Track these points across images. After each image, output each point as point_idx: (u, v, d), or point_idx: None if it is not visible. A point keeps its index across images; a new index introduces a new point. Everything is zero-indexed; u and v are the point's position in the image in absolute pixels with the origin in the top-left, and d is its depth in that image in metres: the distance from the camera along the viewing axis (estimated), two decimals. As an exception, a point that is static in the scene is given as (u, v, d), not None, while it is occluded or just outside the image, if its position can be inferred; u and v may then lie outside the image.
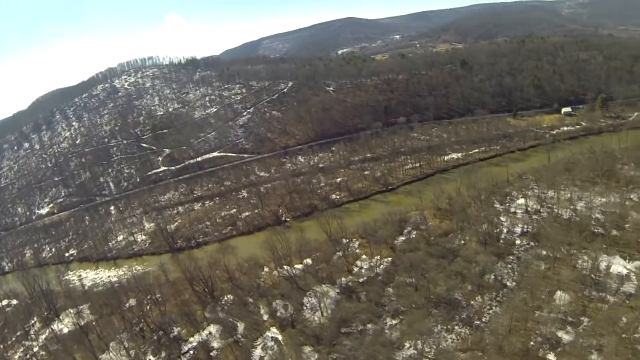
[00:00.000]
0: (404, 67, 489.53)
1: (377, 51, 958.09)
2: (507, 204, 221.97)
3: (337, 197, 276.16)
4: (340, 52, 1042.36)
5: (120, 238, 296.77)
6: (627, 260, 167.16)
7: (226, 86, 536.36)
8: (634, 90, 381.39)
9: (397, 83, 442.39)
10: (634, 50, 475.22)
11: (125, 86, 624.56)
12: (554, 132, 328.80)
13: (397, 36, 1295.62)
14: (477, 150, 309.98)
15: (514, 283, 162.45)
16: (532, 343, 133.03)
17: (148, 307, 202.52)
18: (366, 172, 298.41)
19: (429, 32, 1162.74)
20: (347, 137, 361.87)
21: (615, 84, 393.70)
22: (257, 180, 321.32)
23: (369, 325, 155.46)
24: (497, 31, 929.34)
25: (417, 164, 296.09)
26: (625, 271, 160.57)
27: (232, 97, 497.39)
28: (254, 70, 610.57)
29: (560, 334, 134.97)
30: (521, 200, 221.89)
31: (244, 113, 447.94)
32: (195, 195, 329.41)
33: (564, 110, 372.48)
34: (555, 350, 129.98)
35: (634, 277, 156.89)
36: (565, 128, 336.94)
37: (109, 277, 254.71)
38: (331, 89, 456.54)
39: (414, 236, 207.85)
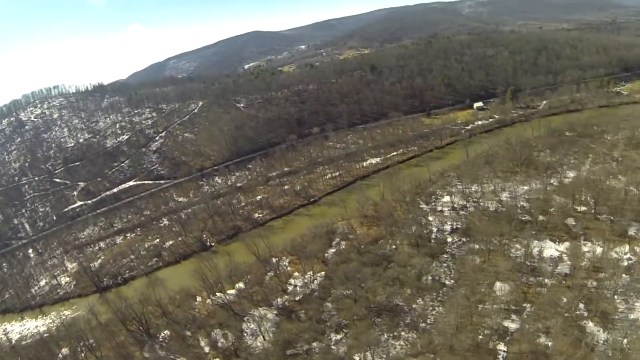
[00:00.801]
0: (313, 77, 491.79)
1: (284, 63, 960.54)
2: (433, 203, 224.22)
3: (260, 215, 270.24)
4: (247, 66, 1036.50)
5: (42, 283, 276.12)
6: (557, 243, 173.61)
7: (136, 111, 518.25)
8: (540, 81, 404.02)
9: (307, 93, 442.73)
10: (536, 44, 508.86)
11: (32, 119, 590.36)
12: (469, 127, 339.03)
13: (303, 46, 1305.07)
14: (395, 153, 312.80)
15: (452, 281, 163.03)
16: (480, 337, 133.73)
17: (83, 354, 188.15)
18: (286, 187, 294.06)
19: (334, 40, 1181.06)
20: (262, 153, 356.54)
21: (522, 76, 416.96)
22: (176, 206, 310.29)
23: (314, 344, 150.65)
24: (402, 34, 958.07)
25: (337, 173, 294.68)
26: (557, 253, 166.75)
27: (143, 122, 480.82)
28: (163, 92, 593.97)
29: (506, 323, 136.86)
30: (446, 198, 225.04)
31: (156, 138, 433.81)
32: (115, 228, 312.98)
33: (476, 105, 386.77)
34: (504, 340, 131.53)
35: (566, 258, 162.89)
36: (479, 122, 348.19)
37: (36, 327, 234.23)
38: (242, 105, 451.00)
39: (344, 247, 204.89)
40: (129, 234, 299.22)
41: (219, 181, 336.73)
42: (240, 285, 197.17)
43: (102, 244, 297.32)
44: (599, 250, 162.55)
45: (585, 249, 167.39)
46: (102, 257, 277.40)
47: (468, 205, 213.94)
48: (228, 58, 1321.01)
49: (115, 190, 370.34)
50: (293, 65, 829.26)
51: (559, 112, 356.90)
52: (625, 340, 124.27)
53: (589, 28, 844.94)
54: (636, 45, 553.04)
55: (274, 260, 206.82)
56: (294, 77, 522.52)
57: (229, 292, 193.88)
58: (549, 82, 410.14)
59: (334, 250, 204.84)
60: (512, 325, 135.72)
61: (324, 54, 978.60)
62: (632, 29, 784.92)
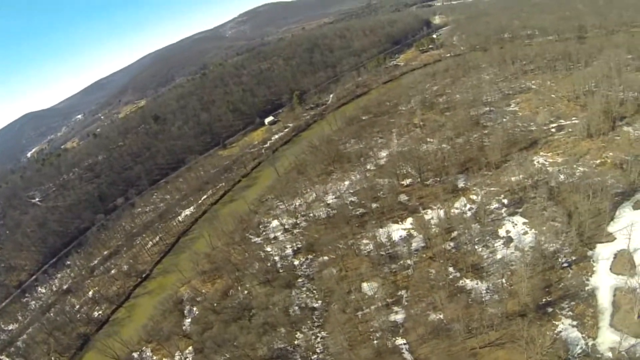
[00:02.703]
0: (99, 146, 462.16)
1: (66, 139, 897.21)
2: (264, 233, 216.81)
3: (100, 312, 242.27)
4: (29, 154, 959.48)
5: None
6: (400, 222, 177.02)
7: None
8: (322, 77, 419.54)
9: (99, 165, 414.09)
10: (306, 44, 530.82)
11: None
12: (268, 145, 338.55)
13: (80, 116, 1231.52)
14: (206, 197, 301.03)
15: (320, 302, 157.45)
16: (376, 342, 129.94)
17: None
18: (113, 272, 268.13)
19: (109, 100, 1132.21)
20: (76, 244, 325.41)
21: (302, 79, 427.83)
22: (9, 337, 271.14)
23: None
24: (174, 74, 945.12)
25: (157, 238, 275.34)
26: (404, 232, 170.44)
27: None
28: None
29: (392, 317, 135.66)
30: (275, 223, 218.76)
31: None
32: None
33: (267, 120, 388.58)
34: (399, 333, 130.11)
35: (414, 232, 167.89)
36: (276, 136, 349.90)
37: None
38: (38, 199, 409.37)
39: (198, 312, 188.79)
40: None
41: (44, 291, 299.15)
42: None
43: None
44: (441, 213, 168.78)
45: (428, 217, 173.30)
46: None
47: (299, 222, 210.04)
48: (8, 149, 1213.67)
49: None
50: (76, 139, 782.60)
51: (348, 100, 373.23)
52: (504, 280, 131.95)
53: (349, 16, 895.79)
54: (396, 20, 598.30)
55: (135, 356, 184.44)
56: (80, 153, 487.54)
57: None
58: (329, 76, 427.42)
59: (189, 320, 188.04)
60: (398, 317, 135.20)
61: (102, 117, 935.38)
62: (387, 7, 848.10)
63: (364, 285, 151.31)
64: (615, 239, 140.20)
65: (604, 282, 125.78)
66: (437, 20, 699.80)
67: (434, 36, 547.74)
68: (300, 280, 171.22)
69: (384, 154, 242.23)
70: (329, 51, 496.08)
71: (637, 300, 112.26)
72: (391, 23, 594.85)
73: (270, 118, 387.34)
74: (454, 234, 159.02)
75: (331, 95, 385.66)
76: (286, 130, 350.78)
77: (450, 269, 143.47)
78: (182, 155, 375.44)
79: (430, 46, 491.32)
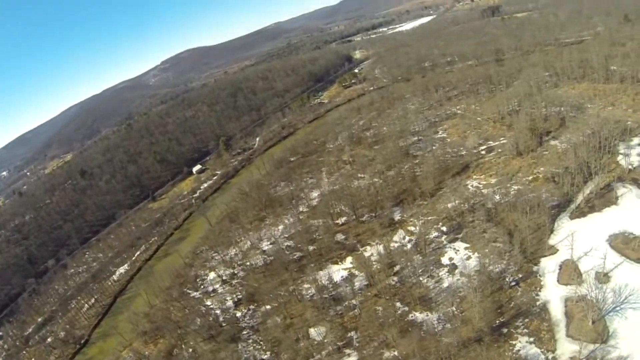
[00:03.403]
0: (26, 205, 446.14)
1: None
2: (202, 287, 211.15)
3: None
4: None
5: None
6: (340, 263, 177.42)
7: None
8: (246, 121, 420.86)
9: (27, 226, 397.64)
10: (230, 89, 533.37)
11: None
12: (198, 195, 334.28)
13: (4, 173, 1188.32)
14: (139, 253, 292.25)
15: (268, 353, 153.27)
16: None
17: None
18: (49, 340, 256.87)
19: (35, 155, 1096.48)
20: (7, 312, 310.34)
21: (227, 124, 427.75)
22: None
23: None
24: (99, 125, 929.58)
25: (92, 300, 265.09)
26: (345, 273, 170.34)
27: None
28: None
29: None
30: (212, 275, 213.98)
31: None
32: None
33: (195, 169, 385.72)
34: None
35: (356, 271, 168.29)
36: (205, 185, 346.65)
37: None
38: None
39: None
40: None
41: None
42: None
43: None
44: (380, 248, 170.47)
45: (367, 254, 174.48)
46: None
47: (236, 272, 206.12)
48: None
49: None
50: (1, 197, 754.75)
51: (275, 142, 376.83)
52: (454, 308, 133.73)
53: (271, 57, 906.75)
54: (317, 58, 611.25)
55: None
56: (6, 213, 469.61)
57: None
58: (254, 119, 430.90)
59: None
60: (351, 359, 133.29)
61: (28, 174, 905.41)
62: (307, 46, 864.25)
63: (311, 330, 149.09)
64: (557, 250, 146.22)
65: (553, 294, 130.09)
66: (357, 54, 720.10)
67: (356, 71, 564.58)
68: (245, 332, 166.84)
69: (315, 194, 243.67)
70: (252, 94, 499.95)
71: (589, 306, 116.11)
72: (312, 61, 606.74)
73: (198, 166, 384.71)
74: (397, 268, 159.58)
75: (257, 139, 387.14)
76: (215, 177, 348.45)
77: (398, 304, 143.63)
78: (112, 210, 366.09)
79: (353, 81, 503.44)
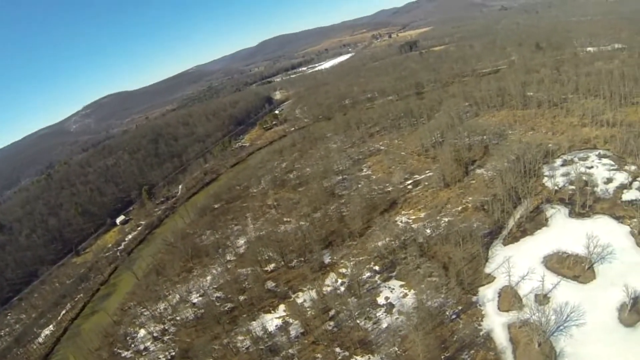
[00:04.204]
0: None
1: None
2: (133, 345, 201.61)
3: None
4: None
5: None
6: (273, 312, 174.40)
7: None
8: (169, 168, 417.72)
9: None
10: (151, 135, 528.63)
11: None
12: (122, 247, 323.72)
13: None
14: (65, 312, 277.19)
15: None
16: None
17: None
18: None
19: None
20: None
21: (150, 172, 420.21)
22: None
23: None
24: (19, 174, 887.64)
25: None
26: (278, 321, 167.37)
27: None
28: None
29: None
30: (142, 332, 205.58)
31: None
32: None
33: (118, 220, 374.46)
34: None
35: (290, 319, 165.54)
36: (130, 236, 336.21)
37: None
38: None
39: None
40: None
41: None
42: None
43: None
44: (313, 294, 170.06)
45: (300, 300, 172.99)
46: None
47: (167, 328, 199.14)
48: None
49: None
50: None
51: (198, 189, 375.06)
52: (396, 348, 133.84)
53: (192, 100, 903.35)
54: (237, 100, 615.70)
55: None
56: None
57: None
58: (176, 166, 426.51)
59: None
60: None
61: None
62: (227, 88, 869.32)
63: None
64: (495, 278, 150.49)
65: (496, 322, 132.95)
66: (278, 95, 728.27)
67: (277, 112, 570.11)
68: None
69: (242, 241, 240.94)
70: (173, 140, 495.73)
71: (533, 330, 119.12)
72: (233, 104, 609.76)
73: (122, 217, 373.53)
74: (332, 312, 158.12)
75: (180, 186, 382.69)
76: (139, 228, 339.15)
77: (337, 350, 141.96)
78: (33, 267, 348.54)
79: (274, 122, 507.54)
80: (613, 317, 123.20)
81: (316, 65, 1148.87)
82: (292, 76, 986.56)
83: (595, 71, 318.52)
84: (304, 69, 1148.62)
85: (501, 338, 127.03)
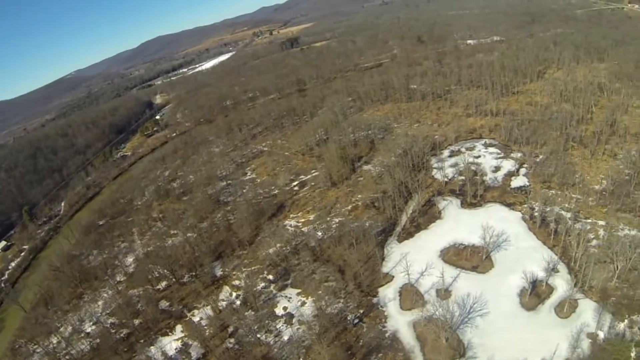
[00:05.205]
0: None
1: None
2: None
3: None
4: None
5: None
6: (170, 334, 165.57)
7: None
8: (49, 185, 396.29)
9: None
10: (28, 149, 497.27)
11: None
12: (7, 276, 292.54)
13: None
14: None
15: None
16: None
17: None
18: None
19: None
20: None
21: (28, 190, 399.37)
22: None
23: None
24: None
25: None
26: (178, 344, 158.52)
27: None
28: None
29: None
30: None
31: None
32: None
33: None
34: None
35: (189, 340, 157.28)
36: (14, 264, 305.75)
37: None
38: None
39: None
40: None
41: None
42: None
43: None
44: (208, 310, 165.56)
45: (196, 319, 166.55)
46: None
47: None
48: None
49: None
50: None
51: (81, 205, 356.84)
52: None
53: (71, 108, 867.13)
54: (117, 107, 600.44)
55: None
56: None
57: None
58: (57, 181, 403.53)
59: None
60: None
61: None
62: (107, 94, 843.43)
63: None
64: (393, 277, 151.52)
65: (400, 322, 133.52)
66: (158, 99, 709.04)
67: (158, 117, 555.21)
68: None
69: (130, 259, 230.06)
70: (52, 154, 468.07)
71: (439, 326, 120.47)
72: (113, 111, 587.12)
73: (3, 243, 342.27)
74: (231, 329, 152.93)
75: (62, 203, 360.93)
76: (23, 254, 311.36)
77: None
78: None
79: (155, 129, 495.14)
80: (515, 303, 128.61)
81: (197, 65, 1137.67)
82: (172, 78, 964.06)
83: (477, 63, 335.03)
84: (185, 70, 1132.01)
85: (408, 337, 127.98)
